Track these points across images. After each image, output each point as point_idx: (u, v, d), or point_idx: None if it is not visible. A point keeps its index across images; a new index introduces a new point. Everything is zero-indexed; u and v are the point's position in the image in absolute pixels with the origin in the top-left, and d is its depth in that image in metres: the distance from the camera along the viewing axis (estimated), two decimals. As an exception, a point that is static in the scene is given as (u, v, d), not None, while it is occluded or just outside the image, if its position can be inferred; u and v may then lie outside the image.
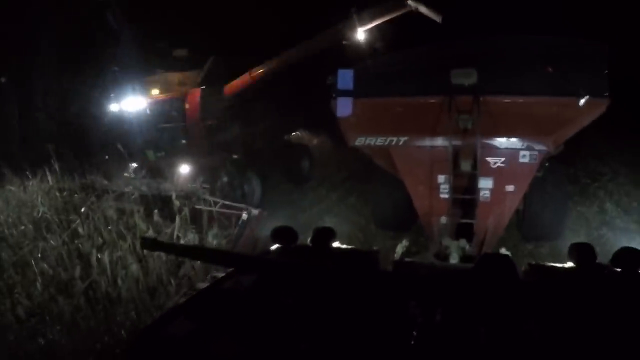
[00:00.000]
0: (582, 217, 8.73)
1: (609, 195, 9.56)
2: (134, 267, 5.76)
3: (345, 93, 7.02)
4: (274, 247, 3.45)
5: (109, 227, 6.51)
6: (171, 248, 3.79)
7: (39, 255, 6.09)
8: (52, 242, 6.30)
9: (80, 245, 6.23)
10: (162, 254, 5.75)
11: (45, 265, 5.91)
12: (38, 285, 5.70)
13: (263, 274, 2.73)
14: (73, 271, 5.75)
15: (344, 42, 10.19)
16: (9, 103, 14.44)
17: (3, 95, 14.40)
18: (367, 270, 2.89)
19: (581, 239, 7.26)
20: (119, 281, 5.67)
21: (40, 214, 7.14)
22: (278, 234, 3.45)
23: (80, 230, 6.50)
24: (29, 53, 14.20)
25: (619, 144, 11.47)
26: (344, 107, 7.03)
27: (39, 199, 7.60)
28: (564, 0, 11.79)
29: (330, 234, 3.57)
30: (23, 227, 6.86)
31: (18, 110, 14.58)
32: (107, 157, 11.62)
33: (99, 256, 5.91)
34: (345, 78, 7.04)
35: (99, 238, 6.37)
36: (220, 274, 3.01)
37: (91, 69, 14.45)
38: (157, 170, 10.66)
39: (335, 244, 3.62)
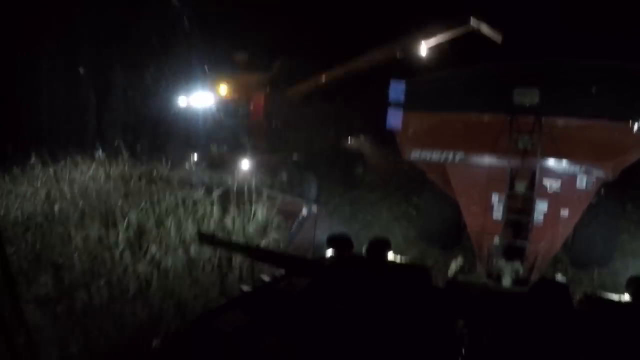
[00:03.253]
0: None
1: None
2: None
3: (396, 105, 6.93)
4: (329, 253, 3.42)
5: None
6: (227, 245, 3.80)
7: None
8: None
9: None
10: None
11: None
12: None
13: (316, 278, 2.70)
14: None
15: (406, 56, 10.14)
16: (87, 93, 14.96)
17: (82, 86, 14.92)
18: (419, 285, 2.82)
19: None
20: None
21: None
22: (333, 241, 3.41)
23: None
24: (112, 47, 14.71)
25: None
26: (394, 119, 6.93)
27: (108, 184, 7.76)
28: (632, 25, 11.29)
29: (386, 246, 3.51)
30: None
31: (96, 100, 15.10)
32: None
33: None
34: (397, 90, 6.94)
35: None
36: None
37: (164, 66, 14.87)
38: (219, 164, 10.85)
39: (390, 256, 3.56)
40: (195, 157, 11.33)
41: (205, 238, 3.35)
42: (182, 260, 5.53)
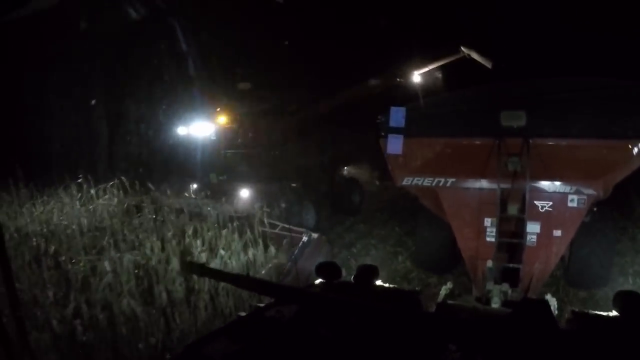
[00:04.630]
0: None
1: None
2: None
3: (396, 131, 6.94)
4: (318, 281, 3.41)
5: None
6: (216, 274, 3.77)
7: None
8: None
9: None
10: None
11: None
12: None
13: (305, 306, 2.69)
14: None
15: (399, 83, 10.26)
16: (100, 125, 15.12)
17: (94, 117, 15.09)
18: (408, 310, 2.80)
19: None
20: None
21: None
22: (322, 269, 3.40)
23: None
24: (124, 81, 14.92)
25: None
26: (394, 145, 6.93)
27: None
28: (614, 43, 11.42)
29: (374, 272, 3.50)
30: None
31: (109, 132, 15.25)
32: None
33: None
34: (397, 116, 6.96)
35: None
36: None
37: (173, 97, 15.08)
38: (219, 193, 10.86)
39: (378, 282, 3.54)
40: (194, 186, 11.35)
41: (193, 268, 3.33)
42: (244, 262, 6.50)
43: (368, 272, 3.49)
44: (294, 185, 11.73)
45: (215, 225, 7.09)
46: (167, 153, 13.61)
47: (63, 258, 6.13)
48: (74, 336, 4.86)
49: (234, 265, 6.44)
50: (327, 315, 2.56)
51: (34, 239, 6.49)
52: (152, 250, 6.24)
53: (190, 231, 6.70)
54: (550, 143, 6.18)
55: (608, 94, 6.09)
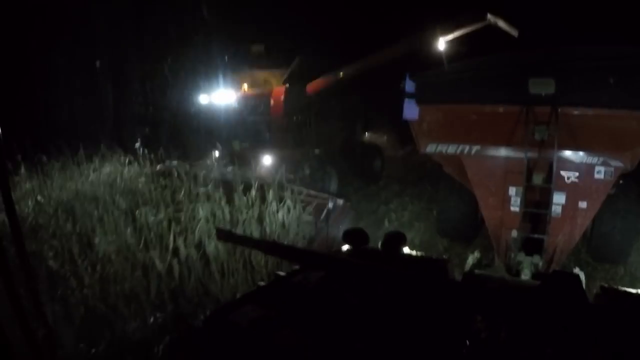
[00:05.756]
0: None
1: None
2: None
3: (412, 96, 6.83)
4: (345, 248, 3.39)
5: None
6: (245, 240, 3.80)
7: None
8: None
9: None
10: None
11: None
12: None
13: (331, 272, 2.67)
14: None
15: (424, 50, 10.01)
16: (105, 87, 15.00)
17: (99, 79, 14.99)
18: (436, 278, 2.77)
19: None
20: None
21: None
22: (349, 236, 3.38)
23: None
24: (129, 41, 14.72)
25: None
26: (410, 110, 6.83)
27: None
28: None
29: (401, 239, 3.46)
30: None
31: (114, 94, 15.14)
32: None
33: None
34: (412, 83, 6.85)
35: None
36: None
37: (181, 58, 14.92)
38: (241, 160, 10.88)
39: (406, 250, 3.51)
40: (216, 153, 11.38)
41: (222, 234, 3.34)
42: (296, 215, 7.02)
43: (395, 239, 3.45)
44: (316, 151, 11.69)
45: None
46: (188, 120, 13.58)
47: (138, 212, 6.65)
48: (171, 274, 5.51)
49: (298, 211, 7.06)
50: (354, 282, 2.55)
51: (102, 198, 7.02)
52: (227, 201, 6.84)
53: (254, 187, 7.24)
54: (579, 112, 5.97)
55: None
